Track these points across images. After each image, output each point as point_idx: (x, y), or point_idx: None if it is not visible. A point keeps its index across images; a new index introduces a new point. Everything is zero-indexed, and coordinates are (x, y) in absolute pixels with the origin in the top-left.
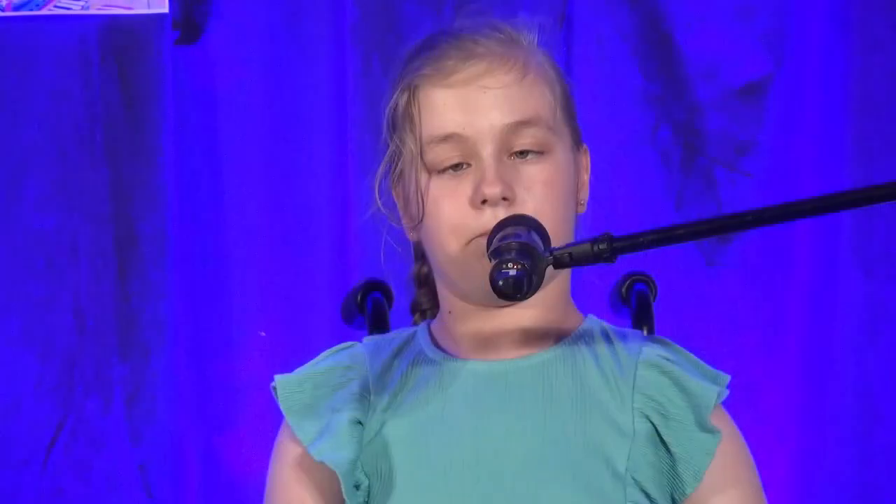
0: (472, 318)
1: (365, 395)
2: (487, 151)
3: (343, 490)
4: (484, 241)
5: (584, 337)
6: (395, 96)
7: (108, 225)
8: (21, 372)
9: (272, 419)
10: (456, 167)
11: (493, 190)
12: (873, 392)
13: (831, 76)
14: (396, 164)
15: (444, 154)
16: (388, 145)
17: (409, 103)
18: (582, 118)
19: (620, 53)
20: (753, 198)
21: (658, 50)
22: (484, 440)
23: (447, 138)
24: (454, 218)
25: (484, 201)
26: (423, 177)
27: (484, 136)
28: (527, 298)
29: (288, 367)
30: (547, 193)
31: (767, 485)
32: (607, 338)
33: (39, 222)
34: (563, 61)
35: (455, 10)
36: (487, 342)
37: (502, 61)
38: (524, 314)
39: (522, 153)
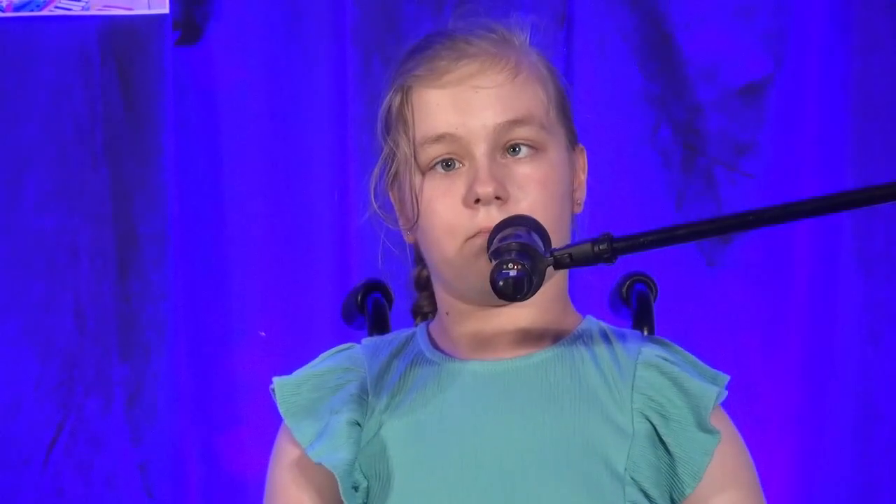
0: (469, 318)
1: (363, 397)
2: (480, 151)
3: (341, 491)
4: (479, 240)
5: (582, 337)
6: (388, 98)
7: (108, 225)
8: (21, 372)
9: (272, 419)
10: (448, 165)
11: (485, 189)
12: (873, 392)
13: (831, 76)
14: (391, 166)
15: (437, 154)
16: (383, 147)
17: (402, 104)
18: (582, 118)
19: (620, 53)
20: (753, 198)
21: (658, 50)
22: (482, 440)
23: (440, 138)
24: (448, 218)
25: (477, 200)
26: (418, 178)
27: (477, 136)
28: (527, 299)
29: (288, 368)
30: (541, 192)
31: (767, 485)
32: (606, 338)
33: (39, 222)
34: (563, 61)
35: (454, 9)
36: (485, 342)
37: (495, 61)
38: (522, 314)
39: (516, 152)
